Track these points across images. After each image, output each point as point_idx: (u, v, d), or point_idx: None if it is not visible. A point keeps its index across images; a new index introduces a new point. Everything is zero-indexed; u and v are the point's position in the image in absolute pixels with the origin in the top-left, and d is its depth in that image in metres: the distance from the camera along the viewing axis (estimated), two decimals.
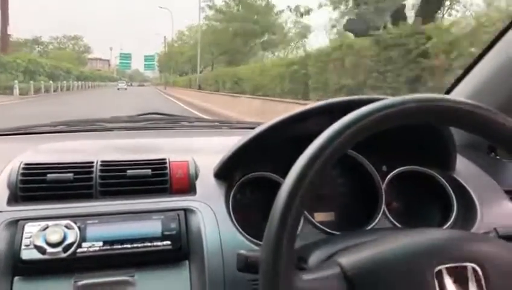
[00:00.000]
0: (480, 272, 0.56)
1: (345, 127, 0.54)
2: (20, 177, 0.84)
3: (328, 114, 0.69)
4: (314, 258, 0.64)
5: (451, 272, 0.55)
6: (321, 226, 0.90)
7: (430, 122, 0.80)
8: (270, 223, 0.52)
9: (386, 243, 0.61)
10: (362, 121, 0.54)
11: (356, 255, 0.59)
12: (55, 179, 0.84)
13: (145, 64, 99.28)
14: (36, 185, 0.84)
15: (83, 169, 0.87)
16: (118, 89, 52.54)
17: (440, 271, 0.55)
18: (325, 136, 0.54)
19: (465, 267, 0.56)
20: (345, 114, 0.55)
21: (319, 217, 0.95)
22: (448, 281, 0.55)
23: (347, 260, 0.58)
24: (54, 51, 77.00)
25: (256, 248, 0.81)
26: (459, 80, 1.20)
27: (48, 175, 0.84)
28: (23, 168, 0.85)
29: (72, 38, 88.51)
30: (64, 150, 1.05)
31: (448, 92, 1.23)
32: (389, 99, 0.56)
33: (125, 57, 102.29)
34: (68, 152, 1.01)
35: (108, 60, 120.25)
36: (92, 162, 0.88)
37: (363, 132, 0.54)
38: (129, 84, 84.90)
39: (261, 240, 0.81)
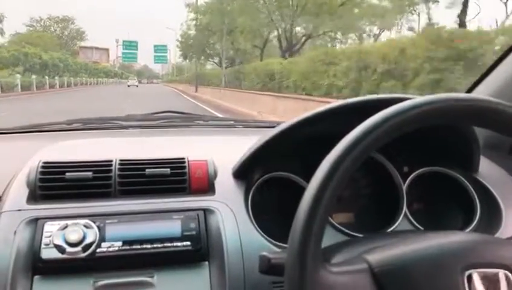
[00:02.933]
0: (511, 279, 0.54)
1: (374, 127, 0.52)
2: (39, 176, 0.83)
3: (353, 114, 0.68)
4: (338, 259, 0.62)
5: (482, 277, 0.54)
6: (340, 227, 0.88)
7: (454, 122, 0.79)
8: (296, 224, 0.51)
9: (415, 243, 0.59)
10: (391, 121, 0.52)
11: (384, 253, 0.57)
12: (74, 177, 0.84)
13: (155, 57, 73.96)
14: (55, 184, 0.83)
15: (101, 168, 0.86)
16: (128, 86, 48.03)
17: (470, 275, 0.54)
18: (354, 135, 0.52)
19: (497, 273, 0.54)
20: (370, 114, 0.54)
21: (338, 218, 0.93)
22: (479, 286, 0.53)
23: (374, 257, 0.56)
24: (28, 34, 54.42)
25: (275, 248, 0.81)
26: (480, 79, 1.18)
27: (67, 174, 0.84)
28: (42, 167, 0.85)
29: (59, 20, 67.65)
30: (82, 148, 1.05)
31: (469, 91, 1.20)
32: (416, 99, 0.54)
33: (130, 45, 73.12)
34: (86, 150, 1.01)
35: (107, 50, 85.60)
36: (111, 161, 0.88)
37: (392, 132, 0.53)
38: (139, 80, 73.11)
39: (279, 240, 0.82)
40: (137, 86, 50.38)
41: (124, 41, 75.74)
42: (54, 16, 68.13)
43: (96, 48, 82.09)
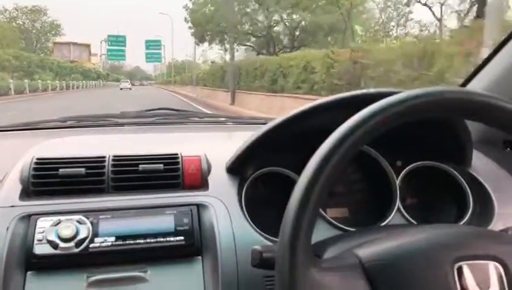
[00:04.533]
0: (502, 270, 0.55)
1: (364, 121, 0.52)
2: (32, 172, 0.83)
3: (344, 108, 0.68)
4: (329, 254, 0.63)
5: (472, 269, 0.54)
6: (334, 222, 0.89)
7: (446, 115, 0.79)
8: (286, 218, 0.51)
9: (405, 236, 0.59)
10: (381, 115, 0.53)
11: (374, 247, 0.57)
12: (67, 173, 0.84)
13: (146, 54, 61.44)
14: (48, 180, 0.83)
15: (95, 164, 0.87)
16: (121, 88, 42.49)
17: (461, 267, 0.54)
18: (344, 129, 0.52)
19: (487, 264, 0.55)
20: (360, 108, 0.54)
21: (332, 213, 0.94)
22: (469, 278, 0.53)
23: (365, 252, 0.57)
24: None
25: (269, 243, 0.81)
26: (475, 73, 1.18)
27: (60, 170, 0.84)
28: (35, 163, 0.85)
29: (28, 11, 54.15)
30: (76, 144, 1.05)
31: (463, 85, 1.21)
32: (407, 92, 0.55)
33: (116, 40, 58.74)
34: (79, 147, 1.01)
35: (88, 46, 65.06)
36: (104, 157, 0.88)
37: (383, 125, 0.53)
38: (132, 83, 61.12)
39: (273, 235, 0.82)
40: (130, 88, 45.43)
41: (109, 36, 60.39)
42: (21, 5, 54.35)
43: (75, 44, 62.33)
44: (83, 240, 0.76)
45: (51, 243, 0.75)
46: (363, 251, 0.57)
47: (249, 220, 0.84)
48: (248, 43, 23.55)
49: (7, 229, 0.75)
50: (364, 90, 0.83)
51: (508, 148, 1.13)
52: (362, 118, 0.53)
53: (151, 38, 65.38)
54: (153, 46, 61.10)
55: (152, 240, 0.78)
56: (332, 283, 0.53)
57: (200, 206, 0.84)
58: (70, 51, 60.39)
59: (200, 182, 0.88)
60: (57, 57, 51.19)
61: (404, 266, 0.54)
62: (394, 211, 0.91)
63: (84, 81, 47.27)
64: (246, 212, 0.85)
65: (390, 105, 0.53)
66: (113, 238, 0.77)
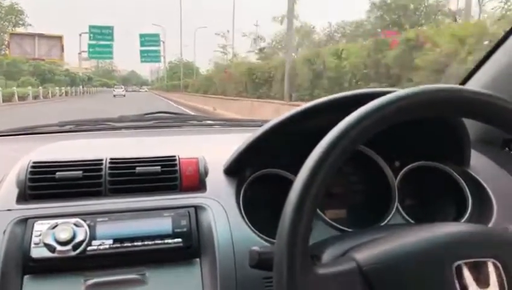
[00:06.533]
0: (501, 268, 0.54)
1: (358, 121, 0.52)
2: (29, 176, 0.83)
3: (339, 108, 0.68)
4: (327, 255, 0.62)
5: (471, 267, 0.54)
6: (333, 223, 0.88)
7: (445, 114, 0.79)
8: (284, 219, 0.51)
9: (402, 237, 0.59)
10: (376, 114, 0.53)
11: (371, 250, 0.57)
12: (64, 177, 0.84)
13: (141, 53, 48.56)
14: (45, 184, 0.83)
15: (91, 167, 0.86)
16: (114, 96, 39.01)
17: (459, 266, 0.53)
18: (339, 129, 0.52)
19: (485, 262, 0.54)
20: (356, 108, 0.54)
21: (331, 214, 0.93)
22: (468, 277, 0.53)
23: (362, 255, 0.56)
24: None
25: (267, 244, 0.80)
26: (473, 71, 1.18)
27: (57, 173, 0.84)
28: (32, 167, 0.85)
29: None
30: (73, 148, 1.05)
31: (462, 83, 1.20)
32: (402, 91, 0.55)
33: (100, 33, 44.52)
34: (77, 150, 1.01)
35: (59, 38, 42.74)
36: (101, 160, 0.88)
37: (378, 125, 0.53)
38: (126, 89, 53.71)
39: (271, 237, 0.82)
40: (124, 95, 41.85)
41: (91, 27, 44.46)
42: None
43: (41, 36, 42.05)
44: (80, 243, 0.76)
45: (48, 246, 0.75)
46: (360, 254, 0.56)
47: (247, 221, 0.84)
48: None
49: (4, 232, 0.75)
50: (359, 90, 0.83)
51: (507, 148, 1.13)
52: (356, 119, 0.53)
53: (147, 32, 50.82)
54: (149, 42, 48.03)
55: (150, 243, 0.78)
56: (330, 288, 0.52)
57: (198, 208, 0.84)
58: (34, 46, 41.06)
59: (198, 184, 0.88)
60: (16, 53, 37.77)
61: (402, 268, 0.54)
62: (393, 211, 0.91)
63: (41, 88, 32.33)
64: (243, 214, 0.85)
65: (384, 105, 0.53)
66: (110, 241, 0.77)
